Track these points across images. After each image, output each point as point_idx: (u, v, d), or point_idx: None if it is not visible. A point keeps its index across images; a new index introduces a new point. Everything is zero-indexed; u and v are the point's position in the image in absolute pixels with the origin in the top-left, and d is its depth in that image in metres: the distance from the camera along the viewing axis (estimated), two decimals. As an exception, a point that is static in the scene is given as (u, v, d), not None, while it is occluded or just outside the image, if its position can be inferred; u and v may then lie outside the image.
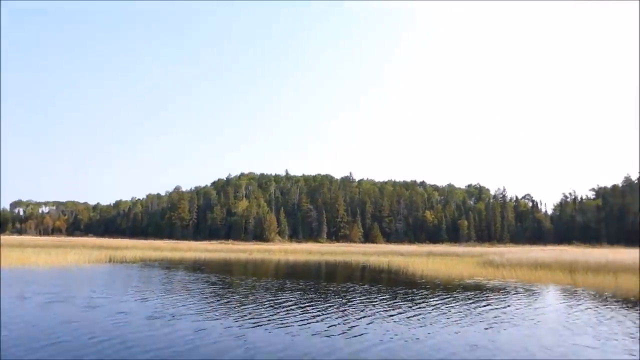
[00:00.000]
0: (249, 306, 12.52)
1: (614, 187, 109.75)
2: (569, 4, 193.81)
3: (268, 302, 13.24)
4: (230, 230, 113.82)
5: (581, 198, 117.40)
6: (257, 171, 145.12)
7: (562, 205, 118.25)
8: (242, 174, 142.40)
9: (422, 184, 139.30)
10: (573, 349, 8.19)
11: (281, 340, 8.52)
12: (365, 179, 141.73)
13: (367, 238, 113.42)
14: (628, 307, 13.29)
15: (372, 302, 13.84)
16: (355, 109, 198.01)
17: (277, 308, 12.22)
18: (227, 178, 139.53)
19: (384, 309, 12.40)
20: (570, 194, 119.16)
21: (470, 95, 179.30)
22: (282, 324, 10.09)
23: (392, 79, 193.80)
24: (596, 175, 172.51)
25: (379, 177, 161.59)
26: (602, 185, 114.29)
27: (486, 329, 9.95)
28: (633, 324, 10.59)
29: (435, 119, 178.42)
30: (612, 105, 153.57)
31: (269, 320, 10.50)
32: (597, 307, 13.17)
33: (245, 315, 11.01)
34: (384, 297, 15.07)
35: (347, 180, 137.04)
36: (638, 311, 12.43)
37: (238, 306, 12.52)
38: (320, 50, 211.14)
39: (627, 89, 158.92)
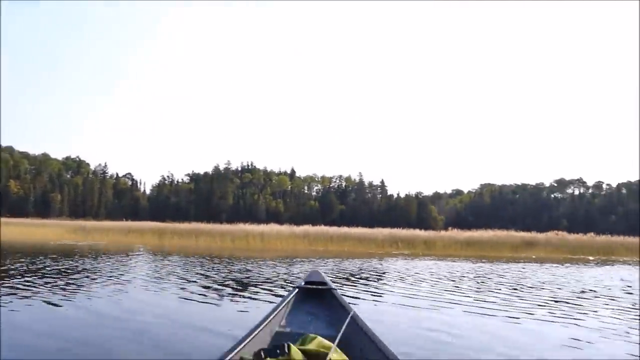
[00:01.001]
0: None
1: (205, 174, 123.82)
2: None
3: None
4: None
5: (177, 181, 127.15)
6: None
7: (159, 186, 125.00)
8: None
9: (10, 149, 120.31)
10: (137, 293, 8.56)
11: None
12: None
13: None
14: (198, 259, 15.08)
15: None
16: None
17: None
18: None
19: None
20: (168, 176, 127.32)
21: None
22: None
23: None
24: (192, 163, 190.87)
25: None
26: (197, 171, 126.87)
27: (69, 284, 9.26)
28: (186, 269, 12.01)
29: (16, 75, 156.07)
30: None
31: None
32: (175, 260, 14.41)
33: None
34: None
35: None
36: (204, 260, 14.28)
37: None
38: None
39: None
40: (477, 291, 8.28)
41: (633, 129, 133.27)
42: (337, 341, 1.88)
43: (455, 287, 8.77)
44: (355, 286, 8.38)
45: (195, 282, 8.53)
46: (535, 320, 5.43)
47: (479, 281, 9.96)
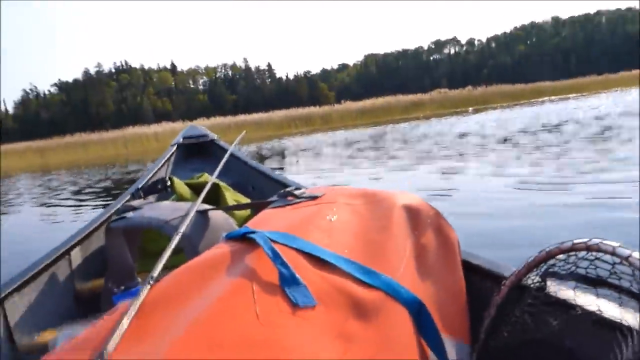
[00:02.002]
0: None
1: (75, 81, 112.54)
2: None
3: None
4: None
5: (44, 93, 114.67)
6: None
7: (24, 102, 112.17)
8: None
9: None
10: None
11: None
12: None
13: None
14: (100, 169, 14.34)
15: None
16: None
17: None
18: None
19: None
20: (31, 90, 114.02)
21: None
22: None
23: None
24: (57, 71, 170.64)
25: None
26: (65, 79, 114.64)
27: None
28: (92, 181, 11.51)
29: None
30: None
31: None
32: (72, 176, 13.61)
33: None
34: None
35: None
36: (104, 170, 13.63)
37: None
38: None
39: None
40: (375, 150, 8.90)
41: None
42: (216, 173, 1.73)
43: (353, 150, 9.35)
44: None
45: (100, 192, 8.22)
46: (424, 164, 6.06)
47: (376, 141, 10.69)
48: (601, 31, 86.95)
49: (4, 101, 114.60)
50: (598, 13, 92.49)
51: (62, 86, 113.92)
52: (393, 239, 0.89)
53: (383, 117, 24.19)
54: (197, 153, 3.51)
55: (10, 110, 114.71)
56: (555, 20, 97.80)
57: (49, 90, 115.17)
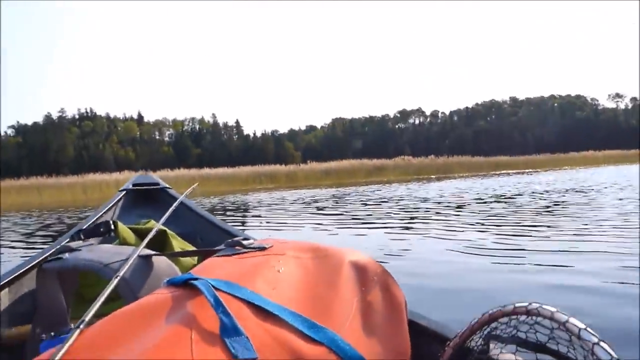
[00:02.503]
0: None
1: (35, 124, 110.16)
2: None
3: None
4: None
5: (5, 133, 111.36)
6: None
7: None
8: None
9: None
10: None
11: None
12: None
13: None
14: (53, 214, 13.89)
15: None
16: None
17: None
18: None
19: None
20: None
21: None
22: None
23: None
24: (15, 113, 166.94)
25: None
26: (23, 123, 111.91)
27: None
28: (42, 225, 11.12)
29: None
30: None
31: None
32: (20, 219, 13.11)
33: None
34: None
35: None
36: (60, 214, 13.21)
37: None
38: None
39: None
40: (335, 209, 9.03)
41: (462, 61, 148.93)
42: (163, 219, 1.69)
43: (314, 208, 9.46)
44: (224, 218, 8.57)
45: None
46: (381, 225, 6.21)
47: (337, 202, 10.84)
48: (554, 113, 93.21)
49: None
50: (552, 97, 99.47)
51: (20, 129, 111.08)
52: (339, 295, 0.88)
53: (347, 179, 24.68)
54: (146, 200, 3.39)
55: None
56: (513, 100, 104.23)
57: (5, 132, 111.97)
